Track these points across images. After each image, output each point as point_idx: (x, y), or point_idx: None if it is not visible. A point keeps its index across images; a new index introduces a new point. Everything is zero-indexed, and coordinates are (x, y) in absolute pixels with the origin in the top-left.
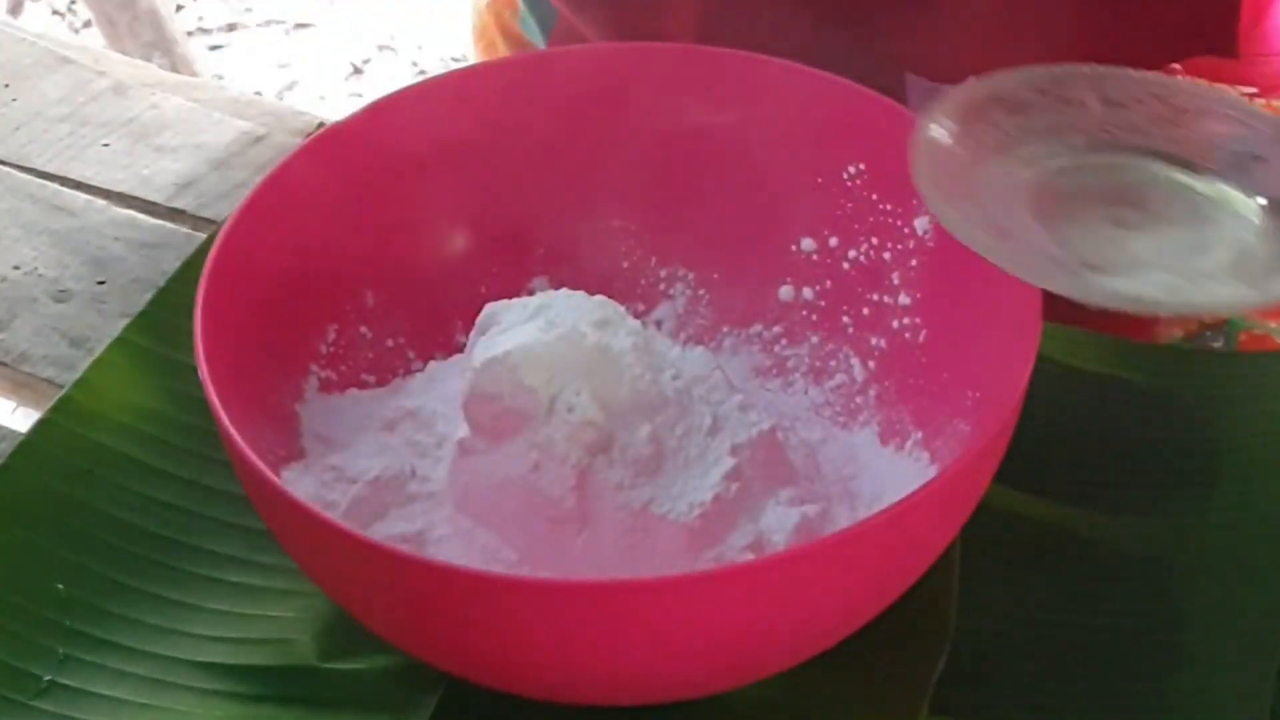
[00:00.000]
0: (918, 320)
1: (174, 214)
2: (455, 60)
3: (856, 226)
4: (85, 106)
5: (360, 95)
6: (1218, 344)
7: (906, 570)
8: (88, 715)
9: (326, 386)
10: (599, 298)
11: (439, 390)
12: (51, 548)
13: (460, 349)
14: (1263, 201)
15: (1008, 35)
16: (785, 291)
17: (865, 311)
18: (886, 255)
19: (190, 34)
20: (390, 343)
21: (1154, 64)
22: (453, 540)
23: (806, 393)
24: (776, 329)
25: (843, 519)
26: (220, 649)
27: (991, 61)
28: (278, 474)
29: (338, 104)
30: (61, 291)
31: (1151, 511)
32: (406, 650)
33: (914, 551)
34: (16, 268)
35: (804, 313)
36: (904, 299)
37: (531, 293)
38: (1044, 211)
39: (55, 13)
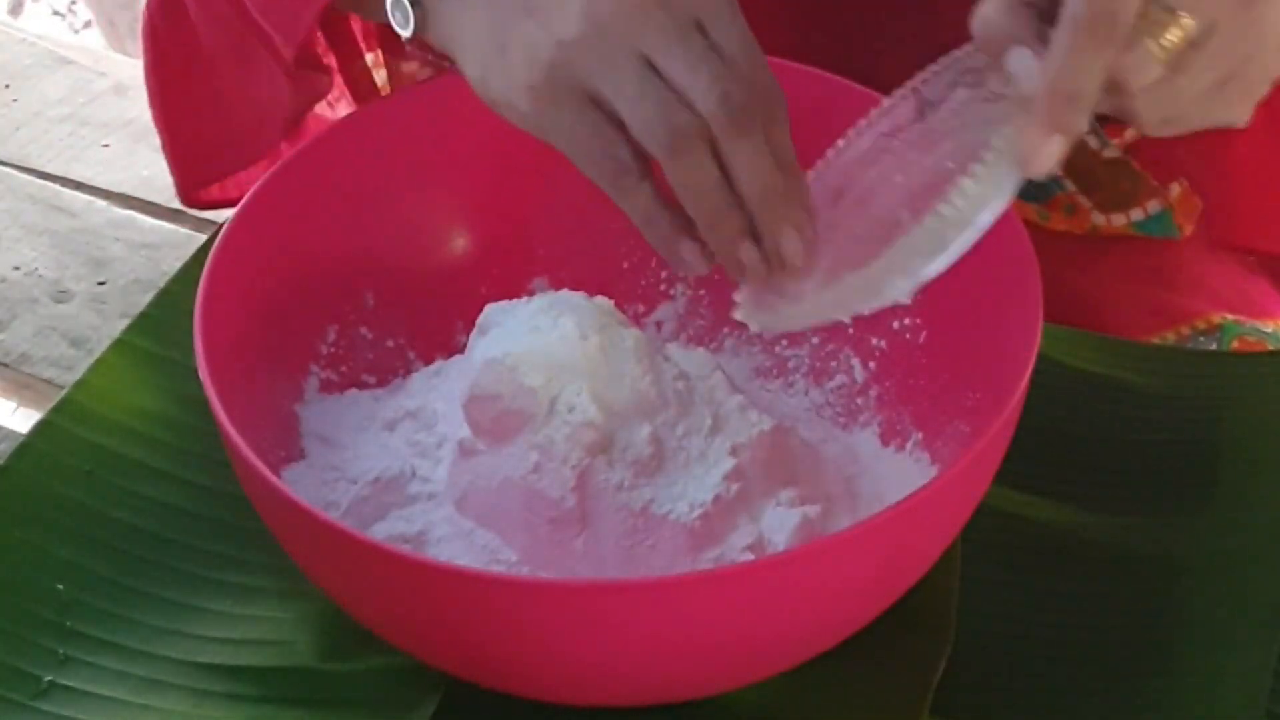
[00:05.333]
0: (918, 321)
1: (174, 214)
2: None
3: None
4: (85, 107)
5: None
6: (1211, 348)
7: (907, 571)
8: (87, 716)
9: (327, 387)
10: (599, 299)
11: (439, 390)
12: (51, 548)
13: (460, 349)
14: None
15: None
16: None
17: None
18: None
19: None
20: (390, 343)
21: None
22: (453, 541)
23: (807, 393)
24: None
25: (843, 520)
26: (220, 650)
27: None
28: (278, 474)
29: (339, 105)
30: (62, 292)
31: (1151, 511)
32: (407, 651)
33: (914, 552)
34: (17, 268)
35: None
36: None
37: (531, 293)
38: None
39: (55, 13)
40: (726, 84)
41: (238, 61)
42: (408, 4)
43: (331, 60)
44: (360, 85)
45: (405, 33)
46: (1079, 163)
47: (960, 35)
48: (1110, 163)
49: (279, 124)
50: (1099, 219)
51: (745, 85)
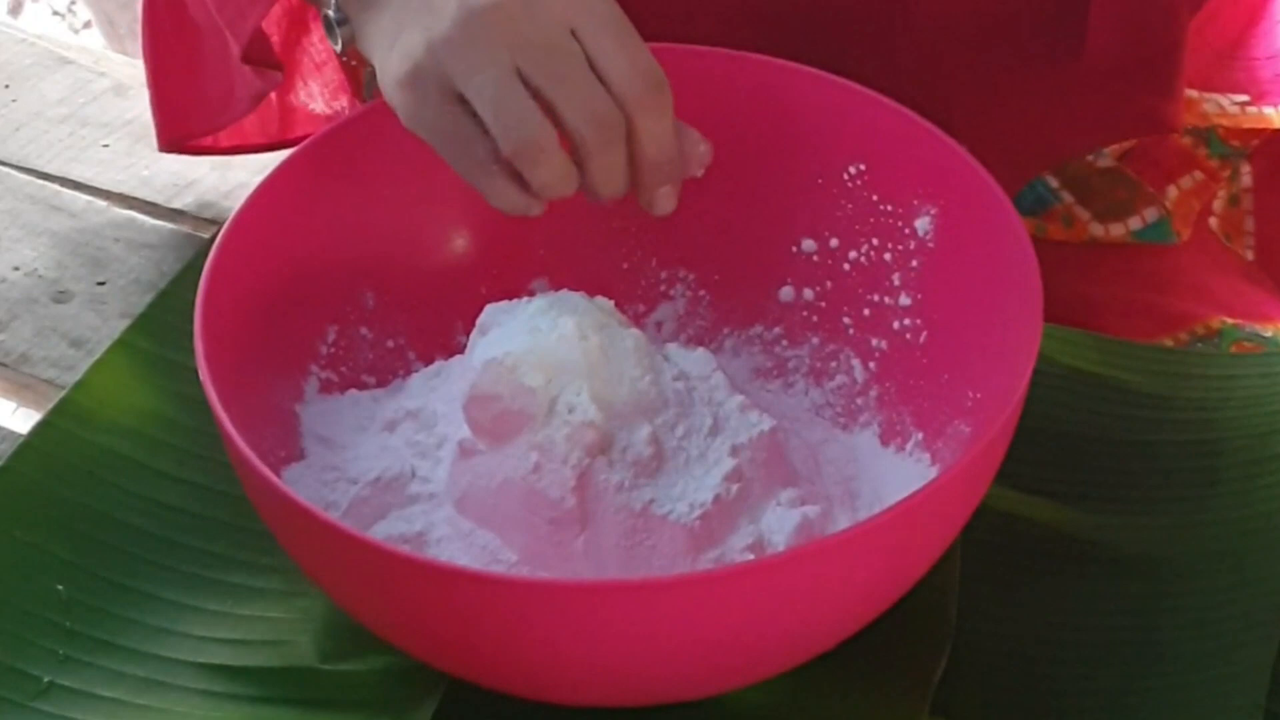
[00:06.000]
0: (918, 321)
1: (174, 214)
2: None
3: (857, 227)
4: (85, 107)
5: None
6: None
7: (907, 571)
8: (87, 716)
9: (327, 387)
10: (599, 299)
11: (439, 391)
12: (52, 549)
13: (460, 349)
14: None
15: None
16: (786, 292)
17: (866, 312)
18: (887, 256)
19: None
20: (390, 343)
21: (1098, 141)
22: (453, 541)
23: (807, 394)
24: (777, 330)
25: (843, 520)
26: (220, 650)
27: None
28: (278, 475)
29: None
30: (61, 292)
31: (1151, 511)
32: (407, 651)
33: (914, 552)
34: (16, 268)
35: (804, 314)
36: (904, 300)
37: (531, 293)
38: None
39: (55, 13)
40: (589, 99)
41: (215, 37)
42: (335, 25)
43: (294, 57)
44: (351, 56)
45: (337, 48)
46: (1074, 172)
47: (925, 29)
48: (1105, 171)
49: (245, 101)
50: (1097, 230)
51: (610, 98)
